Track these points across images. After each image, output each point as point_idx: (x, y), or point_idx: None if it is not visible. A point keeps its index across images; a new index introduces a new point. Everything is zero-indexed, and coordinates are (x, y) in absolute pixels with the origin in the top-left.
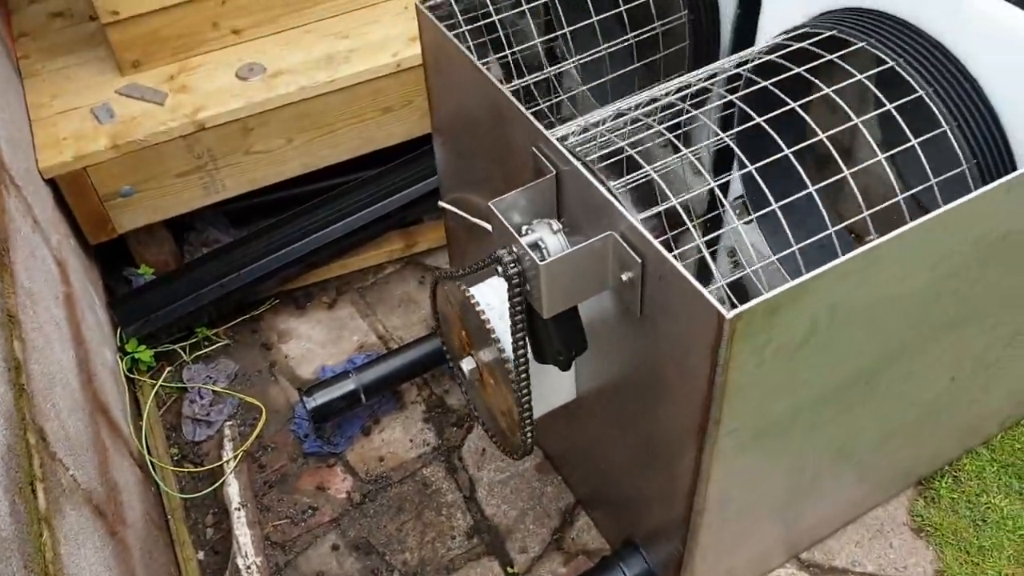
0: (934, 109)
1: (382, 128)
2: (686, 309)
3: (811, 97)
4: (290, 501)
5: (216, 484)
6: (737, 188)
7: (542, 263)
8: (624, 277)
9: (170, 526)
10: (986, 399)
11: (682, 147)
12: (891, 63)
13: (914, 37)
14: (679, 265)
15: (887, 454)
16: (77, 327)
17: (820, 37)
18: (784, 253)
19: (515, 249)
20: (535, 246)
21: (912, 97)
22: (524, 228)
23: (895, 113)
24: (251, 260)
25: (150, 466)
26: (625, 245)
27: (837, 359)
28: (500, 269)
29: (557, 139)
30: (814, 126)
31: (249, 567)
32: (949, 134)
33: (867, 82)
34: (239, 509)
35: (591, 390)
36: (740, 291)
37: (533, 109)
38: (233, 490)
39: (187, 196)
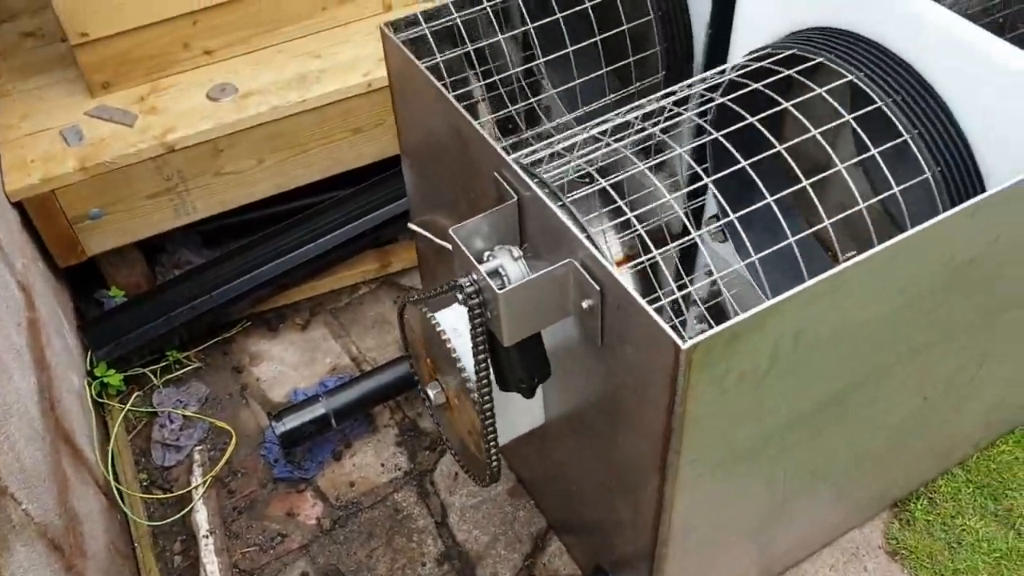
0: (893, 119)
1: (353, 148)
2: (643, 339)
3: (773, 110)
4: (259, 527)
5: (185, 510)
6: (713, 207)
7: (501, 291)
8: (585, 305)
9: (137, 554)
10: (959, 420)
11: (650, 174)
12: (850, 77)
13: (875, 53)
14: (636, 294)
15: (861, 476)
16: (41, 353)
17: (783, 55)
18: (737, 263)
19: (475, 276)
20: (495, 273)
21: (871, 108)
22: (486, 254)
23: (854, 124)
24: (223, 281)
25: (116, 493)
26: (584, 273)
27: (805, 385)
28: (460, 297)
29: (526, 163)
30: (773, 140)
31: None
32: (911, 143)
33: (826, 95)
34: (207, 536)
35: (559, 415)
36: (720, 311)
37: (513, 140)
38: (201, 517)
39: (157, 218)
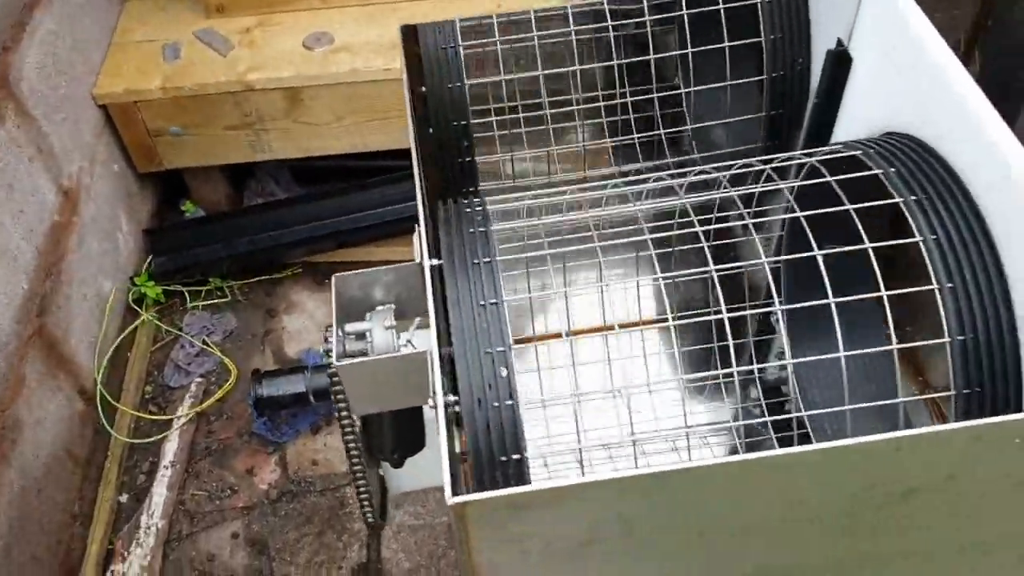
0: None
1: None
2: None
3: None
4: (218, 475)
5: (160, 436)
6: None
7: (338, 363)
8: (430, 402)
9: (106, 464)
10: None
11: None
12: (919, 239)
13: (954, 208)
14: (443, 423)
15: None
16: (58, 258)
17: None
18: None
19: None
20: (361, 336)
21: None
22: (377, 308)
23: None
24: (288, 223)
25: (99, 403)
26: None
27: (649, 567)
28: (322, 351)
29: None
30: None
31: (149, 528)
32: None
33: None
34: (167, 468)
35: None
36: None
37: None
38: (170, 447)
39: (234, 149)
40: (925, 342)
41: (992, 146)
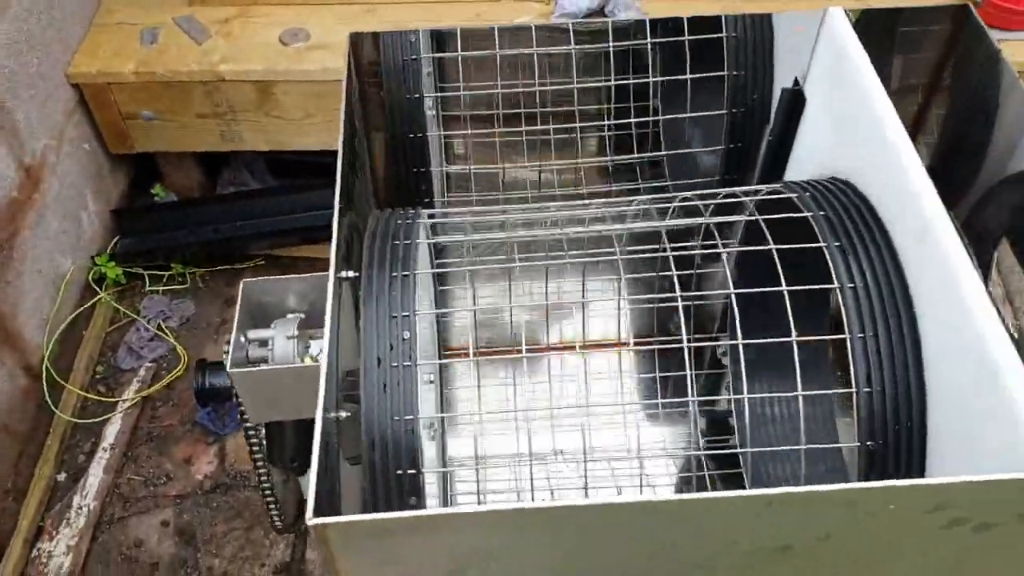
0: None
1: None
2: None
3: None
4: (156, 461)
5: (104, 417)
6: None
7: (231, 369)
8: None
9: (47, 440)
10: None
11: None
12: (823, 244)
13: (860, 222)
14: (319, 435)
15: None
16: (12, 234)
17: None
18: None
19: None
20: (264, 344)
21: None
22: (287, 317)
23: None
24: (255, 215)
25: (45, 380)
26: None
27: None
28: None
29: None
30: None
31: (81, 508)
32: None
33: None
34: (106, 450)
35: None
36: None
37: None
38: (112, 429)
39: (205, 137)
40: (832, 336)
41: (914, 198)
